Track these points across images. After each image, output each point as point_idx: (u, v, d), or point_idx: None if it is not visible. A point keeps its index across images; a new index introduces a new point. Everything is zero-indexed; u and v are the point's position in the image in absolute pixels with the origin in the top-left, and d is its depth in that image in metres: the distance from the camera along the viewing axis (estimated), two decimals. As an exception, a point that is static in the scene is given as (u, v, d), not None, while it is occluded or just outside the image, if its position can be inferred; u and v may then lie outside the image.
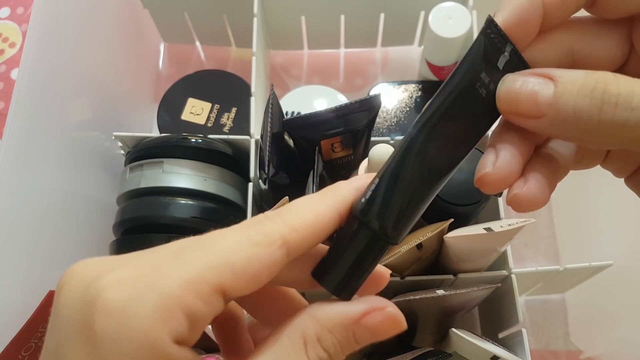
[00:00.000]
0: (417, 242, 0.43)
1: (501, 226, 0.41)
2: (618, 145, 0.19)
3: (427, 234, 0.43)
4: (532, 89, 0.19)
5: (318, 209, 0.21)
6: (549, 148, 0.22)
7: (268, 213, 0.20)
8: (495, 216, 0.50)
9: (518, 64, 0.21)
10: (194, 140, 0.52)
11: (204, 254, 0.18)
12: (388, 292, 0.49)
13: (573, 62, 0.22)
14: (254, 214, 0.50)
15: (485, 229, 0.41)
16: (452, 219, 0.44)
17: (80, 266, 0.18)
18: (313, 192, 0.42)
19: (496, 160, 0.21)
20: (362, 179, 0.22)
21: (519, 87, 0.20)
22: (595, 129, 0.18)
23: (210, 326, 0.25)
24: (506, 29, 0.20)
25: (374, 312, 0.20)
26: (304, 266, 0.22)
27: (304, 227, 0.20)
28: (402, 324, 0.20)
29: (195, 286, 0.17)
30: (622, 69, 0.23)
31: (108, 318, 0.16)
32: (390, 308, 0.20)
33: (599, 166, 0.27)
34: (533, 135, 0.21)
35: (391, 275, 0.47)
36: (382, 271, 0.23)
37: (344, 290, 0.21)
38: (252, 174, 0.52)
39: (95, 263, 0.18)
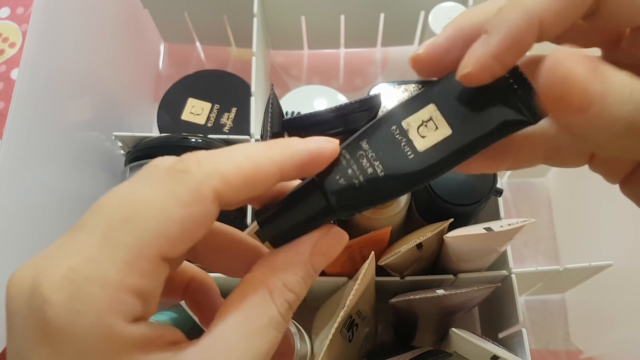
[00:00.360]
0: (417, 242, 0.43)
1: (501, 226, 0.41)
2: None
3: (427, 233, 0.43)
4: (587, 77, 0.16)
5: (259, 160, 0.19)
6: None
7: (200, 156, 0.19)
8: (495, 216, 0.50)
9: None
10: (193, 140, 0.52)
11: (133, 229, 0.17)
12: (388, 293, 0.49)
13: (589, 13, 0.21)
14: (253, 213, 0.50)
15: (485, 228, 0.41)
16: (452, 219, 0.44)
17: (17, 275, 0.18)
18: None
19: (431, 43, 0.21)
20: (319, 142, 0.21)
21: (571, 71, 0.16)
22: (621, 136, 0.17)
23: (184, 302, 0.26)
24: (501, 52, 0.19)
25: (321, 239, 0.22)
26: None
27: (239, 179, 0.19)
28: (345, 235, 0.22)
29: (136, 266, 0.17)
30: None
31: (58, 320, 0.16)
32: (332, 229, 0.22)
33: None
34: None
35: (391, 275, 0.47)
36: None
37: (278, 243, 0.22)
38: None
39: (28, 268, 0.18)
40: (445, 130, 0.21)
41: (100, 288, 0.17)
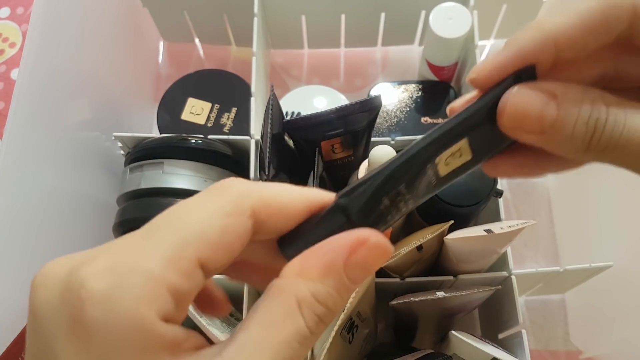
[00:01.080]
0: (418, 244, 0.43)
1: (501, 228, 0.41)
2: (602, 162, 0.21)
3: (427, 235, 0.43)
4: (539, 108, 0.20)
5: (293, 196, 0.21)
6: None
7: (243, 179, 0.20)
8: (496, 217, 0.50)
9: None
10: (194, 141, 0.52)
11: (177, 229, 0.18)
12: (388, 294, 0.49)
13: (605, 81, 0.23)
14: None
15: (485, 230, 0.41)
16: (453, 221, 0.44)
17: (51, 266, 0.18)
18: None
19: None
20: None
21: (525, 104, 0.20)
22: (584, 151, 0.20)
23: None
24: (507, 64, 0.21)
25: (359, 248, 0.19)
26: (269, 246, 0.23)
27: (274, 204, 0.20)
28: (389, 249, 0.19)
29: (176, 263, 0.18)
30: None
31: (95, 307, 0.16)
32: (373, 238, 0.19)
33: (598, 167, 0.27)
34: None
35: (391, 276, 0.47)
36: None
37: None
38: (252, 175, 0.52)
39: (65, 261, 0.18)
40: (466, 156, 0.22)
41: (142, 279, 0.17)
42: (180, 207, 0.19)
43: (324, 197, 0.22)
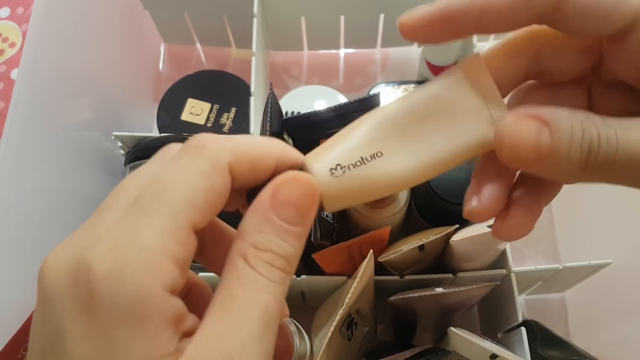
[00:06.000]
0: (420, 244, 0.43)
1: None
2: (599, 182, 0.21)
3: (430, 236, 0.43)
4: (535, 137, 0.20)
5: (262, 148, 0.21)
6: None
7: (213, 135, 0.21)
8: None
9: None
10: (193, 139, 0.52)
11: (165, 200, 0.18)
12: (388, 292, 0.49)
13: (533, 74, 0.24)
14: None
15: (488, 226, 0.41)
16: (458, 225, 0.44)
17: (54, 255, 0.19)
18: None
19: (480, 196, 0.23)
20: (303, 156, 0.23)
21: (520, 134, 0.20)
22: (580, 174, 0.20)
23: None
24: (430, 18, 0.22)
25: (279, 188, 0.20)
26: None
27: (246, 158, 0.20)
28: (308, 180, 0.20)
29: (172, 233, 0.18)
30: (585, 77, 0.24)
31: (101, 285, 0.17)
32: (289, 174, 0.20)
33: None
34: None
35: (390, 274, 0.47)
36: None
37: None
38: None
39: (65, 246, 0.19)
40: None
41: (141, 253, 0.17)
42: (161, 176, 0.19)
43: (291, 154, 0.22)
